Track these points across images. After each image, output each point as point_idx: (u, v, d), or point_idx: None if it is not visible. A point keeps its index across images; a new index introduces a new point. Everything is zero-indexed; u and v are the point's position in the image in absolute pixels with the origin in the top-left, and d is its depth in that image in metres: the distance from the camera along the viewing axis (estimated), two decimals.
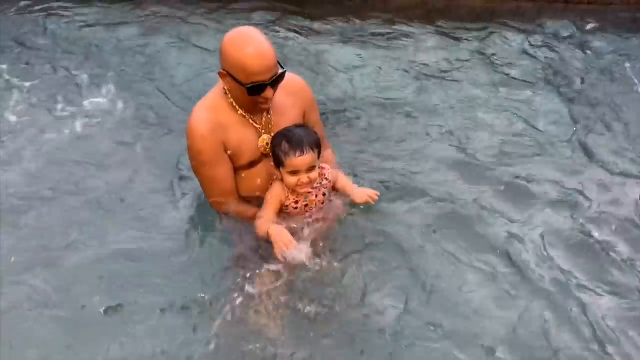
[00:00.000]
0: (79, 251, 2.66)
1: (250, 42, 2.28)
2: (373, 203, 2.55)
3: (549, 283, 2.51)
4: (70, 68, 3.96)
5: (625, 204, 2.91)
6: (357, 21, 4.46)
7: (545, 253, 2.65)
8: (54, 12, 4.58)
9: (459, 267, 2.57)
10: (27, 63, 4.03)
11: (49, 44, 4.22)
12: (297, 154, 2.34)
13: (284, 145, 2.36)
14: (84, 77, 3.86)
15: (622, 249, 2.68)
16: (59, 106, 3.60)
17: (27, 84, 3.80)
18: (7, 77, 3.87)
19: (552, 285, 2.50)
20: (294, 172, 2.37)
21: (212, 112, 2.43)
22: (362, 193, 2.55)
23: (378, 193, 2.57)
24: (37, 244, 2.69)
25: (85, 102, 3.64)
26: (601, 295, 2.48)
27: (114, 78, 3.84)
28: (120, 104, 3.63)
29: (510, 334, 2.33)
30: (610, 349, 2.28)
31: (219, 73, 2.37)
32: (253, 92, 2.31)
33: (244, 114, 2.45)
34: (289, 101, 2.53)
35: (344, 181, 2.60)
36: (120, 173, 3.08)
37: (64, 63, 4.01)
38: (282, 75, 2.34)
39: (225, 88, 2.42)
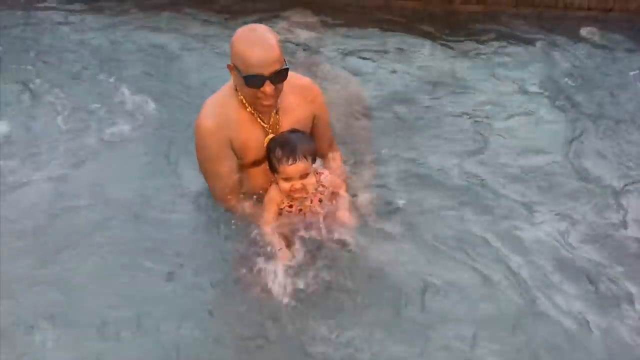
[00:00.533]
0: (88, 258, 2.71)
1: (254, 35, 2.30)
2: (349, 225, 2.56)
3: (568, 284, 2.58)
4: (92, 73, 4.00)
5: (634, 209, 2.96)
6: (359, 29, 4.49)
7: (567, 253, 2.72)
8: (67, 16, 4.65)
9: (468, 273, 2.61)
10: (46, 64, 4.08)
11: (63, 49, 4.27)
12: (290, 162, 2.35)
13: (278, 152, 2.38)
14: (105, 82, 3.90)
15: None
16: (85, 112, 3.63)
17: (47, 88, 3.82)
18: (34, 81, 3.89)
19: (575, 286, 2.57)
20: (288, 179, 2.40)
21: (220, 108, 2.45)
22: (345, 215, 2.56)
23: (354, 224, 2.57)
24: (54, 251, 2.74)
25: (109, 107, 3.66)
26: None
27: (135, 83, 3.87)
28: (142, 109, 3.64)
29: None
30: None
31: (228, 66, 2.38)
32: (251, 84, 2.30)
33: (252, 112, 2.45)
34: (299, 104, 2.53)
35: (341, 194, 2.60)
36: (141, 179, 3.10)
37: (87, 68, 4.05)
38: (283, 72, 2.32)
39: (234, 83, 2.43)
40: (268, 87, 2.31)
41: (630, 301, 2.50)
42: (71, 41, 4.35)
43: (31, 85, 3.85)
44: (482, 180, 3.12)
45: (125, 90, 3.78)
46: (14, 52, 4.20)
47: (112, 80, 3.91)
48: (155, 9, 4.70)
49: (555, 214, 2.92)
